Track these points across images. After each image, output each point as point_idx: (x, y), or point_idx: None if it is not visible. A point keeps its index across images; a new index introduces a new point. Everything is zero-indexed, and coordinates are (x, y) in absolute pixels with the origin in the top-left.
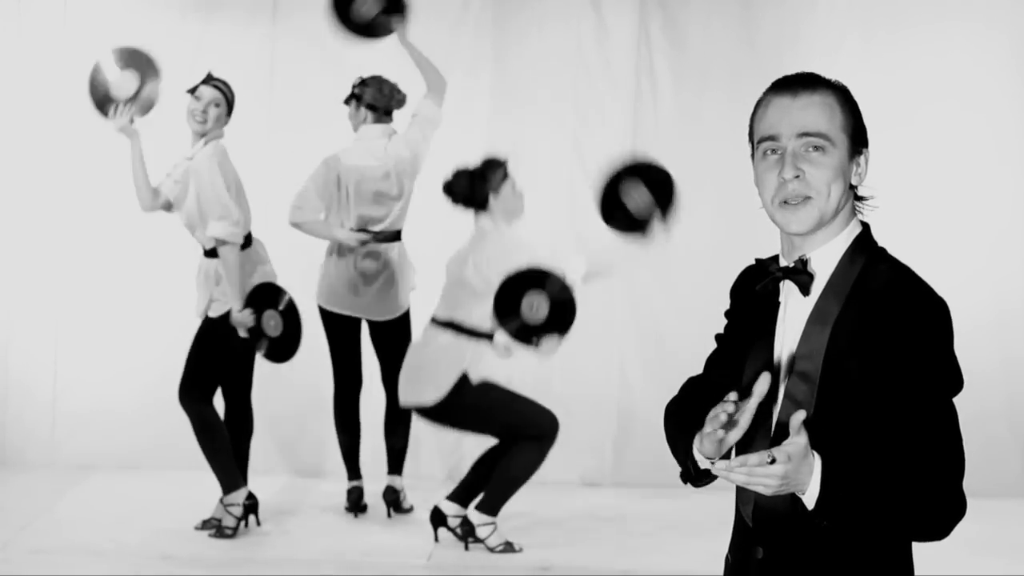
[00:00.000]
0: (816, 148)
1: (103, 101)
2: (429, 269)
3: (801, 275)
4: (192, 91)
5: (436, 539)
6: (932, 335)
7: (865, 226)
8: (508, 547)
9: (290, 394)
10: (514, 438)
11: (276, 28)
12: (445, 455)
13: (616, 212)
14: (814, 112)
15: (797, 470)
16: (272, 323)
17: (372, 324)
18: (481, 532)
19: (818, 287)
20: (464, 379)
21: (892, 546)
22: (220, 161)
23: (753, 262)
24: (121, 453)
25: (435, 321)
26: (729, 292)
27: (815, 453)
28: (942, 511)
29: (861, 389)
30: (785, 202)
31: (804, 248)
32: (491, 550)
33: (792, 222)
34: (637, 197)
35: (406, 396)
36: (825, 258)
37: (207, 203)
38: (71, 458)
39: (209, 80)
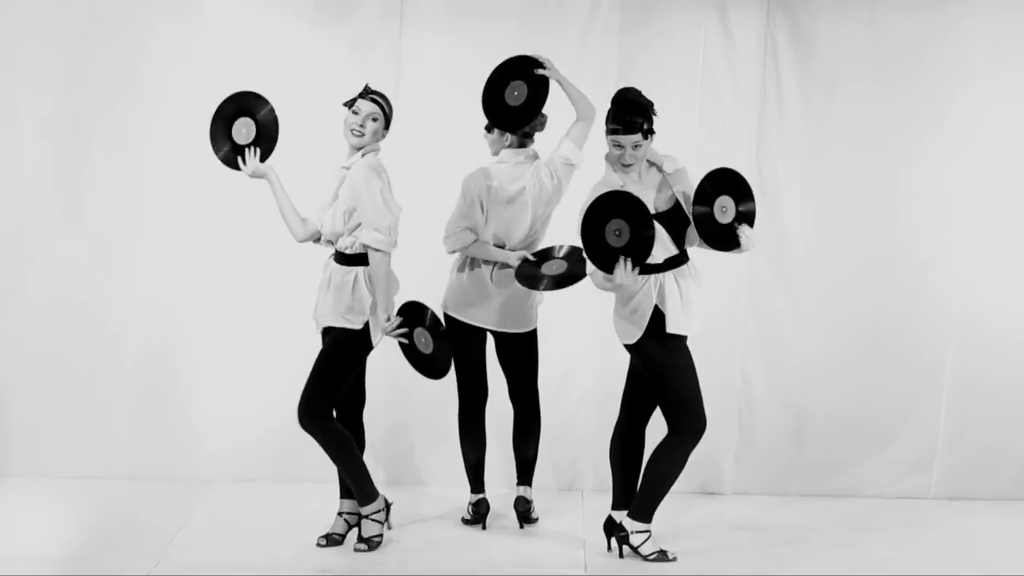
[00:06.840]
0: None
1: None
2: None
3: None
4: (350, 104)
5: (609, 547)
6: None
7: None
8: (662, 555)
9: (408, 404)
10: (667, 409)
11: (403, 37)
12: (561, 470)
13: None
14: None
15: None
16: (423, 340)
17: (499, 337)
18: (635, 540)
19: None
20: (660, 321)
21: None
22: (378, 172)
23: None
24: (245, 465)
25: None
26: None
27: None
28: None
29: None
30: None
31: None
32: (645, 558)
33: None
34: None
35: (619, 337)
36: None
37: (364, 212)
38: (194, 471)
39: (367, 93)
